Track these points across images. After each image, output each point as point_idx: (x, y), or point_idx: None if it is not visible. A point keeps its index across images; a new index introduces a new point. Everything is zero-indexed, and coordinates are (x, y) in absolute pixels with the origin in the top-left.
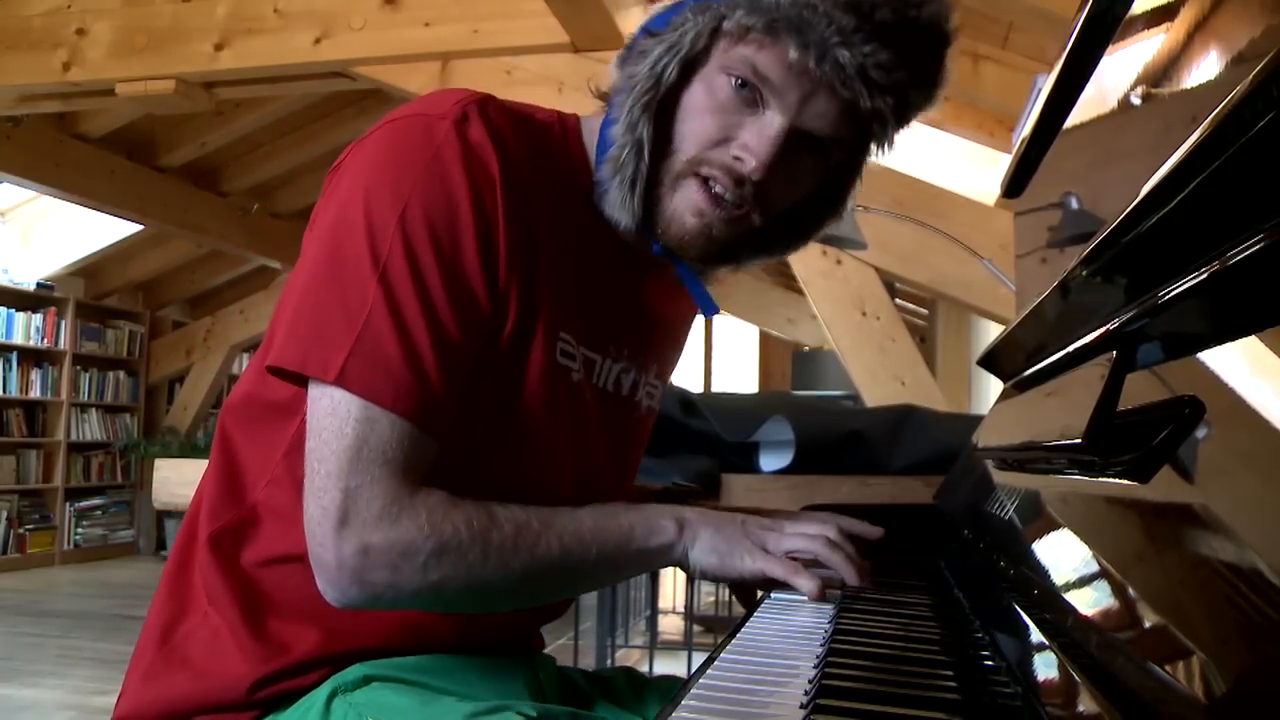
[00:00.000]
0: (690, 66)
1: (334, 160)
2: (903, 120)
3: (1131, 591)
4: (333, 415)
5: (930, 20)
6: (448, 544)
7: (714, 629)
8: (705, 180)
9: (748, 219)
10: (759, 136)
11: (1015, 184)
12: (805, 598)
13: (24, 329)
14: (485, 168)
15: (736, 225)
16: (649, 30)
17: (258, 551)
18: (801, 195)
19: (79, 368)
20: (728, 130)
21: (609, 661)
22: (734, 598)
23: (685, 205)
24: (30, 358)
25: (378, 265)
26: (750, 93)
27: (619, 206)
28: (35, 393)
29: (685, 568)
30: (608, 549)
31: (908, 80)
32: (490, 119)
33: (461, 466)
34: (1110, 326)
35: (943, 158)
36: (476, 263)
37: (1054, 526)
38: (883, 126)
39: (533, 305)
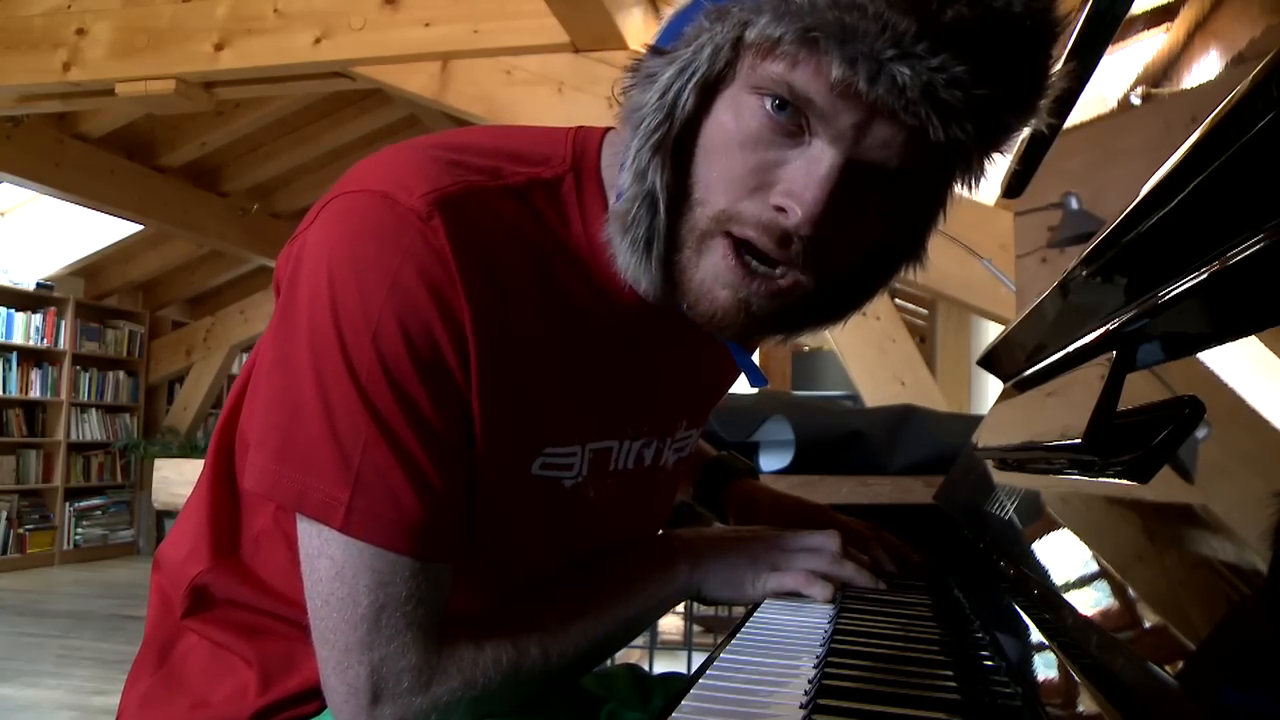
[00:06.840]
0: (711, 91)
1: (333, 160)
2: (993, 145)
3: (1131, 591)
4: (339, 579)
5: (1027, 10)
6: (483, 693)
7: (714, 629)
8: (738, 243)
9: (797, 286)
10: (805, 177)
11: (1015, 184)
12: (804, 597)
13: (24, 329)
14: (451, 289)
15: (783, 296)
16: (656, 48)
17: (245, 599)
18: (867, 242)
19: (79, 368)
20: (764, 170)
21: (609, 661)
22: None
23: (713, 275)
24: (30, 358)
25: (359, 386)
26: (790, 118)
27: (633, 271)
28: (35, 393)
29: (699, 600)
30: (628, 618)
31: (994, 98)
32: (464, 219)
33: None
34: (1110, 326)
35: None
36: (458, 372)
37: (1054, 526)
38: (965, 159)
39: (507, 427)
